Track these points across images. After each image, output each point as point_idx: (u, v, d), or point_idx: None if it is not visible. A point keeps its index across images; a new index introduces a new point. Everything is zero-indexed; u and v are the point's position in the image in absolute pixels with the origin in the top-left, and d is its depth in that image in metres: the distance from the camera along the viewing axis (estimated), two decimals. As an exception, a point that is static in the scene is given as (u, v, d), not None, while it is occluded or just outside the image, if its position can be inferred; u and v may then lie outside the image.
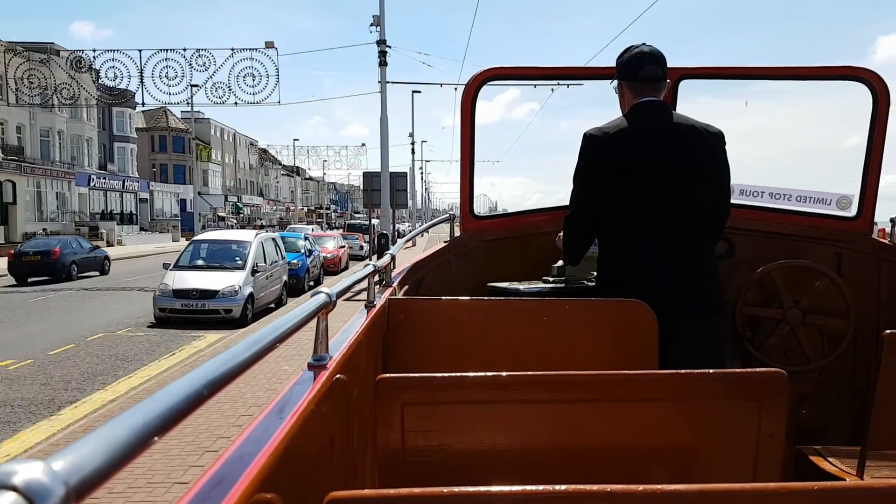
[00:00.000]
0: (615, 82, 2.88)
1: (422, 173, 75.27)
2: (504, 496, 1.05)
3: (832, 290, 3.52)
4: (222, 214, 75.38)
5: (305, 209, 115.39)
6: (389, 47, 22.87)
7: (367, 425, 1.84)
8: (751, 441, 1.64)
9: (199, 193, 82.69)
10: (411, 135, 50.51)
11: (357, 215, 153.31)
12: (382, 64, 22.92)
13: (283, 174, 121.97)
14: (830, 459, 2.75)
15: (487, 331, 2.52)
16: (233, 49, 23.78)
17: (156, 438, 0.68)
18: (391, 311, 2.52)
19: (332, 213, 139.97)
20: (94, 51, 24.67)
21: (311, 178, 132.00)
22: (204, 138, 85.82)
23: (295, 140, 66.37)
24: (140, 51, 24.15)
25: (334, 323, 1.65)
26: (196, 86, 24.66)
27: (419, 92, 44.81)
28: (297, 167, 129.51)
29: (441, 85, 53.33)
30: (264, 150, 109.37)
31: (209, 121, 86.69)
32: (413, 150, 50.96)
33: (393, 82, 25.72)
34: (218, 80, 24.19)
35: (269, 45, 24.14)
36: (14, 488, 0.48)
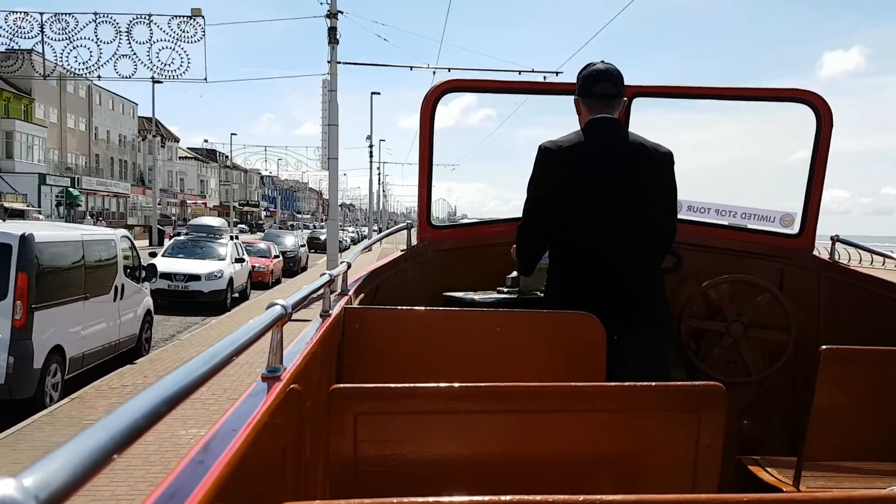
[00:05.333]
0: (575, 97, 3.10)
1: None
2: None
3: (774, 305, 3.81)
4: (18, 206, 46.17)
5: (208, 205, 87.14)
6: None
7: (321, 435, 1.89)
8: (690, 451, 1.79)
9: (-3, 170, 54.73)
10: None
11: (301, 216, 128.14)
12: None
13: (182, 157, 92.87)
14: (769, 469, 2.93)
15: (442, 341, 2.67)
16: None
17: (115, 456, 0.72)
18: (347, 321, 2.63)
19: (262, 213, 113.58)
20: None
21: (234, 167, 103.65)
22: (21, 84, 56.77)
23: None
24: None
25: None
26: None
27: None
28: (215, 150, 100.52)
29: (411, 68, 27.32)
30: (149, 120, 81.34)
31: (30, 57, 58.00)
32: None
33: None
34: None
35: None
36: None
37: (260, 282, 21.80)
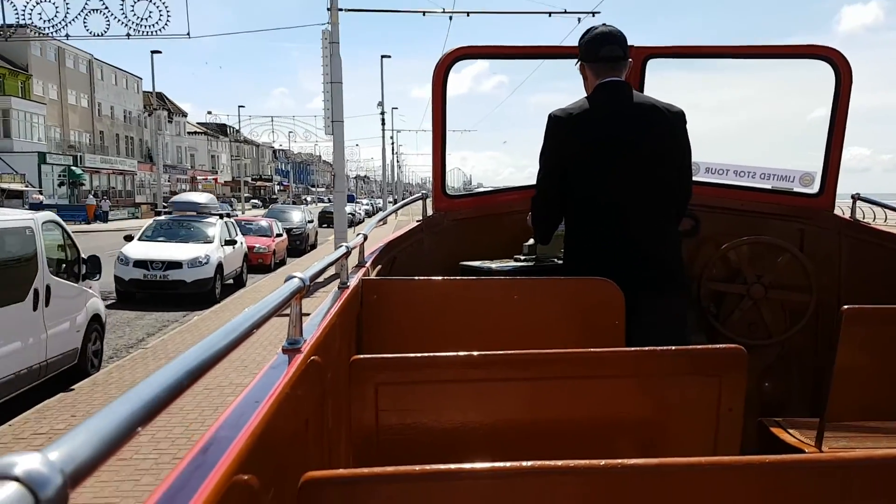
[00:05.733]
0: (579, 63, 3.02)
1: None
2: (473, 473, 1.13)
3: (794, 266, 3.74)
4: (16, 186, 44.15)
5: (219, 180, 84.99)
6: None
7: (342, 406, 1.90)
8: (711, 414, 1.77)
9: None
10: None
11: (316, 189, 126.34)
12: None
13: (192, 132, 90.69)
14: (791, 431, 2.90)
15: (460, 310, 2.65)
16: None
17: (139, 429, 0.73)
18: (364, 292, 2.62)
19: (276, 187, 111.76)
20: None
21: (245, 141, 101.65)
22: (17, 59, 54.37)
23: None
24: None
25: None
26: None
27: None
28: (226, 125, 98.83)
29: (423, 13, 23.53)
30: (153, 94, 78.68)
31: (27, 33, 55.16)
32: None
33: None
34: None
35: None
36: (16, 478, 0.52)
37: (260, 264, 19.27)
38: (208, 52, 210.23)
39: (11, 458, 0.54)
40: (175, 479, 0.92)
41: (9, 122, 50.37)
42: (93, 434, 0.65)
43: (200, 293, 13.80)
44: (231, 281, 16.14)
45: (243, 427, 1.10)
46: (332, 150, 18.53)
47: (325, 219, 35.61)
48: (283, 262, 21.37)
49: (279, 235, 21.32)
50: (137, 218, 49.88)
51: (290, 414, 1.35)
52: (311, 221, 26.77)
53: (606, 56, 2.85)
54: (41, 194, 47.36)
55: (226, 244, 15.11)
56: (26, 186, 45.62)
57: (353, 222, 40.08)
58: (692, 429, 1.79)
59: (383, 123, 48.42)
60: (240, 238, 16.59)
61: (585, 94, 2.94)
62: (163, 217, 16.14)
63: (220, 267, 14.43)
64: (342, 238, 16.66)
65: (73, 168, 54.99)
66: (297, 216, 26.54)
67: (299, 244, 24.69)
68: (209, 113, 47.90)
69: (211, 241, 14.69)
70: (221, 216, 15.82)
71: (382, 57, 46.93)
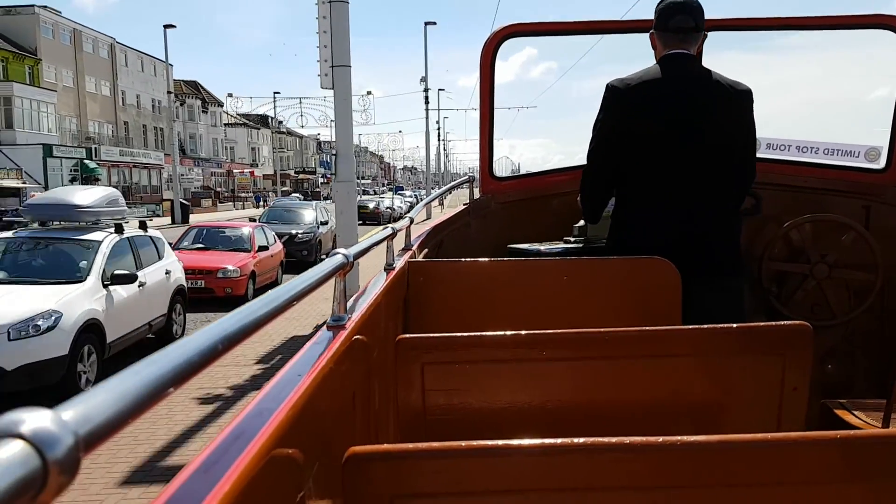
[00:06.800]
0: (650, 32, 2.92)
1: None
2: (522, 449, 1.11)
3: (859, 244, 3.62)
4: (10, 183, 38.37)
5: (255, 174, 79.29)
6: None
7: (389, 385, 1.89)
8: (774, 394, 1.70)
9: (-5, 142, 46.25)
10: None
11: (363, 181, 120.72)
12: None
13: (229, 123, 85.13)
14: (855, 413, 2.83)
15: (508, 291, 2.59)
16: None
17: (171, 389, 0.70)
18: (411, 274, 2.59)
19: (319, 179, 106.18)
20: None
21: (288, 133, 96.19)
22: (24, 42, 48.91)
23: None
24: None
25: None
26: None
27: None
28: (266, 116, 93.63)
29: None
30: (188, 83, 73.44)
31: (35, 11, 49.47)
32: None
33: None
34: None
35: None
36: (21, 436, 0.48)
37: (229, 296, 12.37)
38: (258, 46, 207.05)
39: (19, 415, 0.49)
40: (214, 449, 0.91)
41: (11, 111, 44.86)
42: (114, 394, 0.60)
43: (40, 388, 6.85)
44: (152, 336, 9.22)
45: (284, 400, 1.08)
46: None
47: (361, 215, 28.69)
48: (273, 284, 14.41)
49: (264, 248, 14.30)
50: (158, 216, 43.82)
51: (334, 389, 1.34)
52: (326, 223, 19.71)
53: (676, 26, 2.75)
54: (44, 191, 41.77)
55: (114, 281, 8.05)
56: (23, 183, 39.86)
57: (392, 218, 33.28)
58: (754, 410, 1.73)
59: (427, 102, 41.35)
60: (165, 263, 9.55)
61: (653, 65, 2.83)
62: (9, 234, 8.84)
63: (92, 330, 7.39)
64: (348, 243, 9.51)
65: (87, 161, 49.35)
66: (307, 216, 19.57)
67: (306, 254, 17.70)
68: (230, 96, 41.52)
69: (82, 279, 7.70)
70: (119, 229, 8.77)
71: (426, 24, 40.07)
